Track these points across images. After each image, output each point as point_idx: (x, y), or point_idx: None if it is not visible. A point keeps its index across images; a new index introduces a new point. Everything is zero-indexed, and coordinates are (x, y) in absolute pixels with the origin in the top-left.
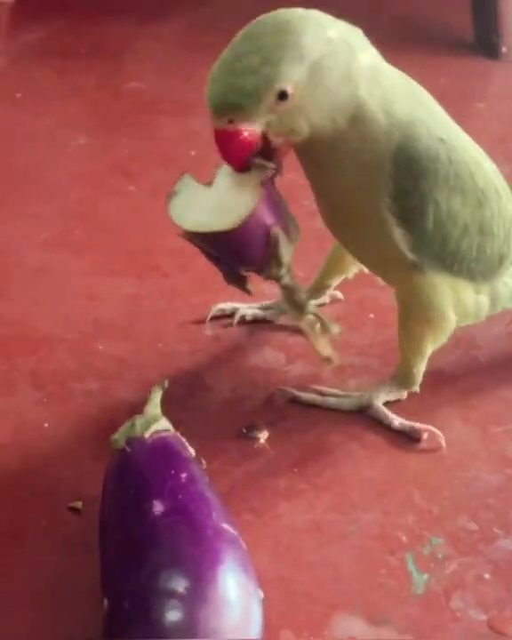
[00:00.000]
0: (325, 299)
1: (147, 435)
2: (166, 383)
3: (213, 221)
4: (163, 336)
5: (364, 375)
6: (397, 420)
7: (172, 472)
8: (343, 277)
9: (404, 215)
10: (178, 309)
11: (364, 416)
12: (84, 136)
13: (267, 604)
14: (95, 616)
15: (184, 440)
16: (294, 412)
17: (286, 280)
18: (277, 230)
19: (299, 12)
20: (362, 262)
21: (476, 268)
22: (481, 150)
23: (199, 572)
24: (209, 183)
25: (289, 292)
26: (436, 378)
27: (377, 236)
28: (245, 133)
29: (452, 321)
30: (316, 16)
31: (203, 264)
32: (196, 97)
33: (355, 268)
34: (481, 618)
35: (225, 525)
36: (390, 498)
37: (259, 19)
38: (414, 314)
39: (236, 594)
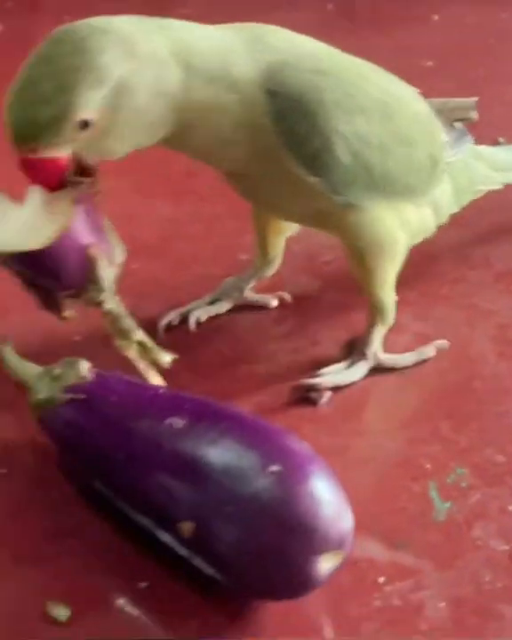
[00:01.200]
0: (273, 301)
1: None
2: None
3: (21, 241)
4: (198, 259)
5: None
6: (408, 358)
7: (152, 391)
8: (285, 237)
9: (314, 163)
10: (214, 234)
11: None
12: None
13: None
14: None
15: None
16: None
17: (109, 305)
18: (95, 251)
19: (100, 25)
20: (293, 222)
21: (412, 183)
22: (369, 65)
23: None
24: (21, 201)
25: (113, 319)
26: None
27: (298, 194)
28: (51, 161)
29: (403, 243)
30: (119, 28)
31: None
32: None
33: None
34: (502, 548)
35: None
36: (416, 428)
37: (54, 34)
38: (367, 252)
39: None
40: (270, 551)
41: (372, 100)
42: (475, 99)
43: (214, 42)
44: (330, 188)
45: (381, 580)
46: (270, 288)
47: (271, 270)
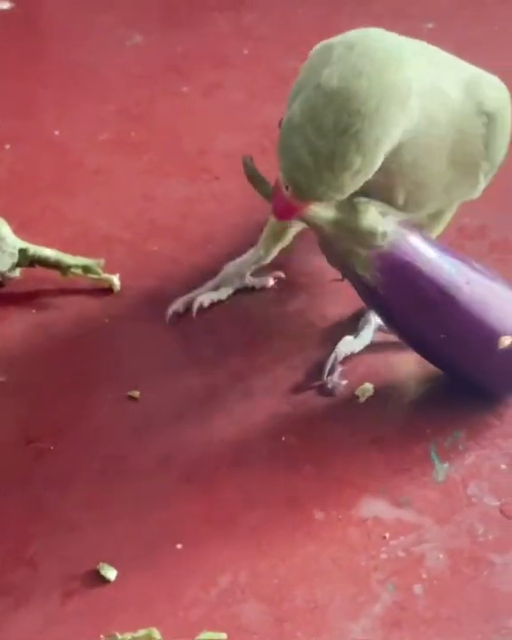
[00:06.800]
0: (271, 281)
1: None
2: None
3: None
4: (213, 238)
5: None
6: None
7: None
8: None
9: (493, 163)
10: (227, 213)
11: None
12: (140, 34)
13: (300, 487)
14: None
15: None
16: None
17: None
18: None
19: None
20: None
21: None
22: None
23: None
24: None
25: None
26: None
27: (449, 194)
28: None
29: None
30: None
31: None
32: None
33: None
34: (494, 504)
35: None
36: (417, 394)
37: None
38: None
39: None
40: None
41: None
42: None
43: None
44: (481, 188)
45: (387, 535)
46: (278, 266)
47: (272, 257)
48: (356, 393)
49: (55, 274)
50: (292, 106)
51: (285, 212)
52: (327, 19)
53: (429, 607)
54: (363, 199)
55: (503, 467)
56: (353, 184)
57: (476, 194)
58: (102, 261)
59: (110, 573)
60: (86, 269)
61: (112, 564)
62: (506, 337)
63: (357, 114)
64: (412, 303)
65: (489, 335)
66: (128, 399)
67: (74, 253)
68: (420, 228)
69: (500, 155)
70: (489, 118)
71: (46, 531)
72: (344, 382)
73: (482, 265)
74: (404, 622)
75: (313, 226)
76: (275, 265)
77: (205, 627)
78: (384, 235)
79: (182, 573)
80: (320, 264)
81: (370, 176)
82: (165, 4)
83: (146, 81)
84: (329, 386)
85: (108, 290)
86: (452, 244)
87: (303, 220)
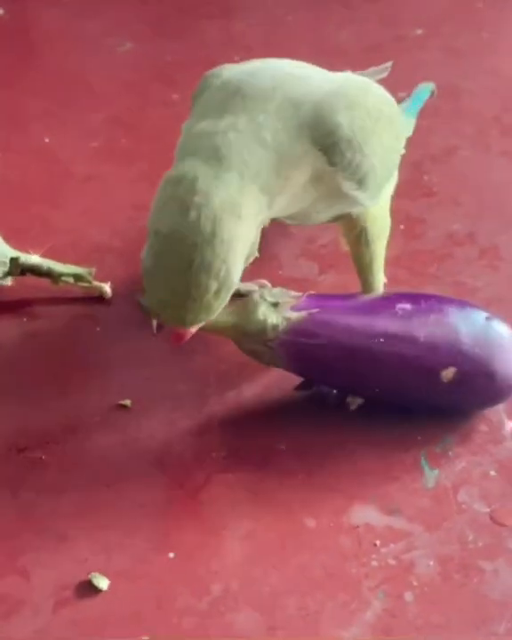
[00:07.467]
0: (255, 288)
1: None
2: None
3: None
4: None
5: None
6: None
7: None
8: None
9: (363, 183)
10: None
11: None
12: (130, 41)
13: (292, 495)
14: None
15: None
16: None
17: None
18: None
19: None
20: (315, 224)
21: (394, 166)
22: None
23: None
24: None
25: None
26: None
27: (338, 206)
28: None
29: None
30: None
31: None
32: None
33: None
34: (484, 510)
35: None
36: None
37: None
38: (373, 237)
39: None
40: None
41: (375, 108)
42: (389, 63)
43: (267, 146)
44: (369, 197)
45: (377, 542)
46: (270, 273)
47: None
48: (347, 400)
49: (46, 282)
50: (145, 249)
51: (178, 339)
52: (316, 26)
53: (420, 614)
54: (256, 294)
55: (493, 473)
56: (219, 302)
57: (370, 202)
58: (93, 270)
59: (102, 583)
60: (77, 278)
61: (104, 573)
62: (447, 371)
63: (194, 246)
64: (331, 374)
65: (426, 374)
66: (119, 408)
67: (65, 262)
68: (326, 298)
69: (360, 170)
70: (330, 152)
71: (38, 540)
72: (335, 390)
73: (407, 299)
74: (395, 629)
75: (216, 334)
76: (260, 271)
77: (198, 635)
78: (274, 327)
79: (174, 582)
80: (305, 270)
81: (235, 286)
82: (155, 11)
83: (136, 89)
84: (319, 393)
85: (99, 298)
86: (442, 251)
87: (206, 331)
